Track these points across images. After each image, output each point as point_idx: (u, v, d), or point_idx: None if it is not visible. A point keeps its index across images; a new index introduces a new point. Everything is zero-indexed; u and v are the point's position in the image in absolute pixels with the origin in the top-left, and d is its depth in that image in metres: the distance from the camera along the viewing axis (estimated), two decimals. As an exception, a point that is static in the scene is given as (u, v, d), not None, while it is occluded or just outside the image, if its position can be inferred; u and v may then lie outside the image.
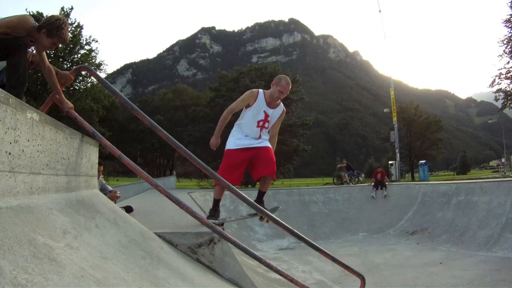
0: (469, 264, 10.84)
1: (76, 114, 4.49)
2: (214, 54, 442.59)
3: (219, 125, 6.24)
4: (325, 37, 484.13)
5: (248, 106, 6.10)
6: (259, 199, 6.48)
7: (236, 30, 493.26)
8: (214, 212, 6.08)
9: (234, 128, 6.37)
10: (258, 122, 6.03)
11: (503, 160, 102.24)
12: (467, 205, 15.65)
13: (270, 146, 6.19)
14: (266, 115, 6.04)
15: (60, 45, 4.62)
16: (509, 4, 30.52)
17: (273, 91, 5.95)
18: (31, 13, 25.85)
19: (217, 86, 42.39)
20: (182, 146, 4.97)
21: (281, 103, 6.24)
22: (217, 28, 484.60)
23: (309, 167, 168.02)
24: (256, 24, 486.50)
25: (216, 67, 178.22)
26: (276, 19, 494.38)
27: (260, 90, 6.15)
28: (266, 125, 6.12)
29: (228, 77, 41.99)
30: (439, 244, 14.39)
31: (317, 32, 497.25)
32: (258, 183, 6.75)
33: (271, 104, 6.05)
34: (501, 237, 12.65)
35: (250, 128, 6.10)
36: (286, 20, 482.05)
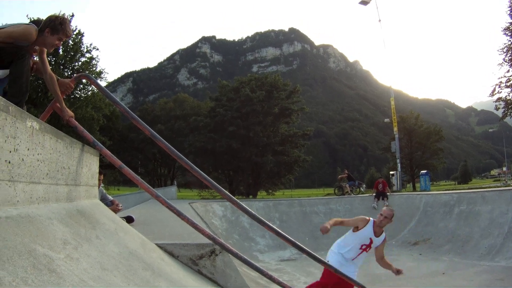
0: (472, 274, 10.78)
1: (77, 123, 4.45)
2: (214, 63, 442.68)
3: None
4: (325, 47, 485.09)
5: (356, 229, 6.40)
6: None
7: (236, 40, 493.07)
8: None
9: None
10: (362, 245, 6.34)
11: (504, 169, 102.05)
12: (469, 215, 15.59)
13: None
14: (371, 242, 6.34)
15: (65, 40, 4.58)
16: (508, 12, 30.58)
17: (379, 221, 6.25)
18: (32, 19, 25.80)
19: (217, 95, 42.42)
20: (182, 156, 4.92)
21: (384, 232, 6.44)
22: (217, 37, 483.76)
23: (310, 177, 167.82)
24: (257, 33, 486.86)
25: (216, 76, 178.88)
26: (276, 28, 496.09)
27: (371, 219, 6.39)
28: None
29: (229, 86, 42.06)
30: (441, 254, 14.32)
31: (317, 42, 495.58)
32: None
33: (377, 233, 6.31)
34: (503, 246, 12.59)
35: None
36: (286, 29, 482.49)
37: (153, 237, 5.67)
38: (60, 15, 4.40)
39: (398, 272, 6.10)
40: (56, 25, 4.24)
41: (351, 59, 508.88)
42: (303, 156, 40.52)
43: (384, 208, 6.39)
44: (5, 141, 2.34)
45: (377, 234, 6.30)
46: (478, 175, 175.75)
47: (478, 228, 14.49)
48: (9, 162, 2.37)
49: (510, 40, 31.13)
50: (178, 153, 4.90)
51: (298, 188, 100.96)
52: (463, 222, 15.56)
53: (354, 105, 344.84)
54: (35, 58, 4.57)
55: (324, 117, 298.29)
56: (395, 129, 37.82)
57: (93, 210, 3.99)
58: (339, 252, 6.47)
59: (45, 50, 4.41)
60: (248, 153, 36.59)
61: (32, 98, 27.00)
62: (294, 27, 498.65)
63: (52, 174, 3.07)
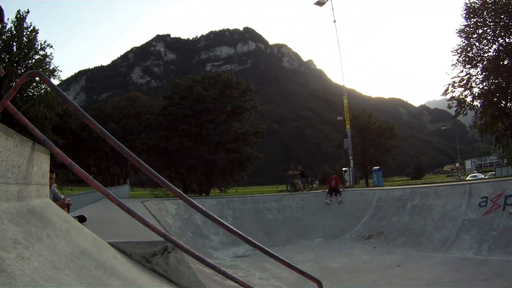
0: (427, 266, 11.10)
1: (27, 120, 4.38)
2: (168, 62, 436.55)
3: None
4: (280, 46, 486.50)
5: None
6: None
7: (191, 38, 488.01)
8: None
9: None
10: None
11: (457, 164, 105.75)
12: (422, 209, 16.03)
13: None
14: None
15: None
16: (464, 14, 31.58)
17: None
18: None
19: (170, 94, 42.09)
20: (132, 154, 4.87)
21: None
22: (172, 36, 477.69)
23: (263, 175, 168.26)
24: (211, 32, 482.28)
25: (170, 75, 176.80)
26: (231, 27, 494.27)
27: None
28: None
29: (182, 85, 41.81)
30: (395, 247, 14.66)
31: (271, 41, 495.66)
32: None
33: None
34: (457, 238, 13.00)
35: None
36: (241, 28, 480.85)
37: (106, 236, 5.63)
38: None
39: None
40: None
41: (305, 58, 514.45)
42: (255, 154, 40.66)
43: None
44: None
45: None
46: (431, 171, 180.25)
47: (432, 222, 14.89)
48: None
49: (464, 42, 32.13)
50: (128, 150, 4.85)
51: (252, 185, 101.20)
52: (416, 216, 15.95)
53: (307, 103, 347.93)
54: None
55: (278, 116, 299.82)
56: (348, 126, 38.36)
57: (44, 209, 3.94)
58: None
59: None
60: (201, 151, 36.44)
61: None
62: (249, 26, 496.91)
63: (2, 172, 3.02)
